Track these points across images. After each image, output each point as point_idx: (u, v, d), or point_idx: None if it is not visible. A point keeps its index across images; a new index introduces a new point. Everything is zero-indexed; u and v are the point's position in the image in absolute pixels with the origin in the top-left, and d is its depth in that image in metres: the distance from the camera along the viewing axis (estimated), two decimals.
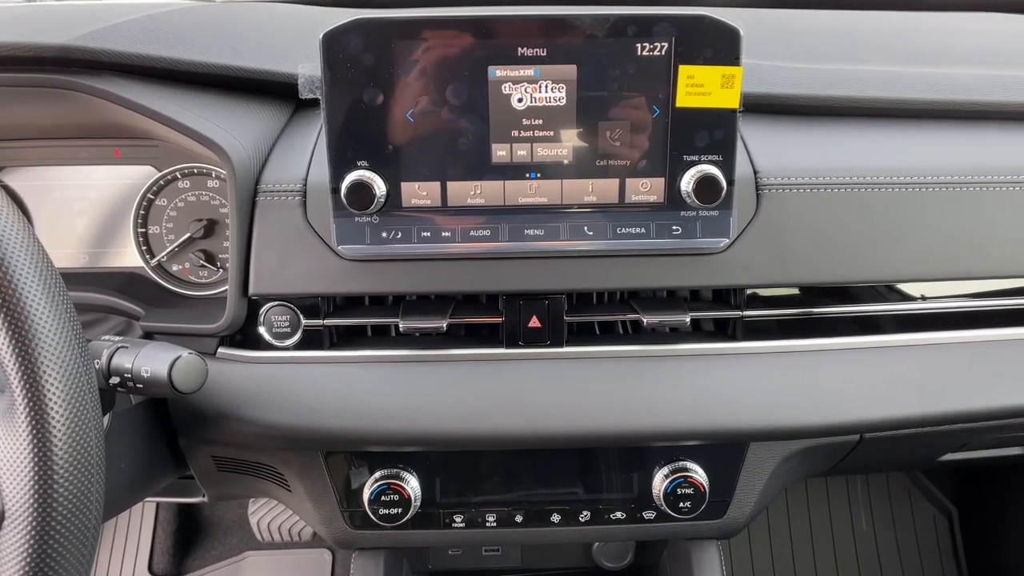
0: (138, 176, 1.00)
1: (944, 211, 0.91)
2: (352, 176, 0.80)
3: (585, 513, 0.97)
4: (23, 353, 0.58)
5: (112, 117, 0.89)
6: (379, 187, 0.81)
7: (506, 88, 0.79)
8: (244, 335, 0.90)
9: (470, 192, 0.83)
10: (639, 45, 0.78)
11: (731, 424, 0.88)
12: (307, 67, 0.80)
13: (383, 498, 0.91)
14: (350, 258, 0.85)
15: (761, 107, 0.98)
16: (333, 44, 0.77)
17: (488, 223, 0.84)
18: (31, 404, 0.58)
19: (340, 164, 0.81)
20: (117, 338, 0.76)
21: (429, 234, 0.84)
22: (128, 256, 1.01)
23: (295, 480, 0.96)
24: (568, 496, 0.97)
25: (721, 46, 0.78)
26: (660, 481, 0.93)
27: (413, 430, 0.86)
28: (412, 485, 0.92)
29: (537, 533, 0.99)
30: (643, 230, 0.85)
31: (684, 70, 0.79)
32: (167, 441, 0.92)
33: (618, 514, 0.97)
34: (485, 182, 0.83)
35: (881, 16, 1.27)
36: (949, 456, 1.15)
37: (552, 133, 0.81)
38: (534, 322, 0.89)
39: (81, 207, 1.01)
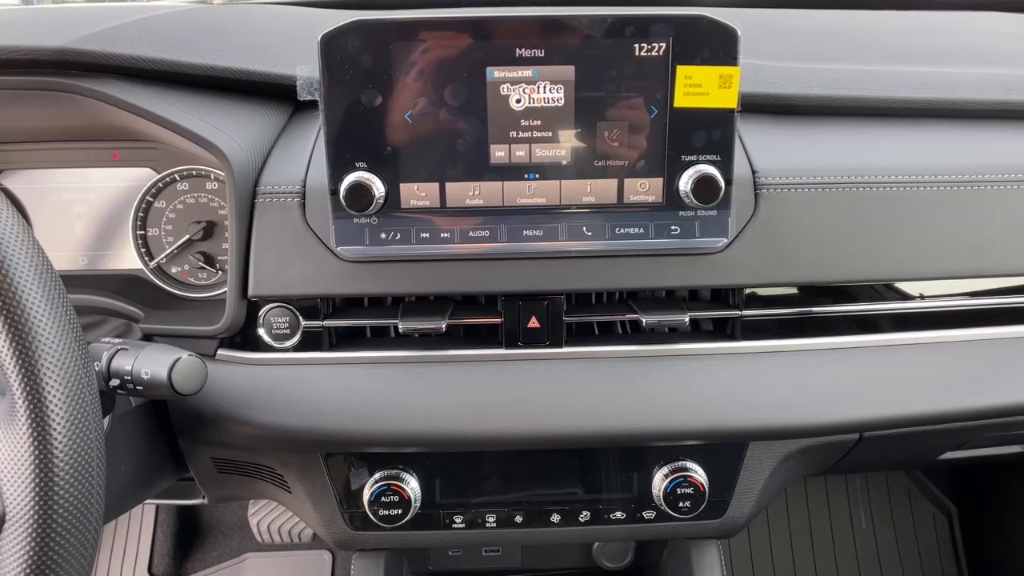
0: (137, 178, 1.00)
1: (942, 210, 0.91)
2: (351, 177, 0.81)
3: (585, 513, 0.97)
4: (23, 356, 0.58)
5: (110, 119, 0.89)
6: (378, 188, 0.81)
7: (504, 89, 0.79)
8: (243, 337, 0.90)
9: (469, 193, 0.83)
10: (637, 45, 0.78)
11: (730, 423, 0.88)
12: (305, 69, 0.80)
13: (383, 499, 0.91)
14: (349, 259, 0.85)
15: (759, 107, 0.98)
16: (331, 46, 0.78)
17: (487, 224, 0.84)
18: (31, 406, 0.58)
19: (339, 165, 0.81)
20: (117, 340, 0.76)
21: (428, 235, 0.84)
22: (127, 258, 1.01)
23: (295, 481, 0.96)
24: (568, 496, 0.97)
25: (719, 46, 0.78)
26: (660, 481, 0.94)
27: (413, 431, 0.87)
28: (412, 486, 0.92)
29: (537, 533, 0.99)
30: (642, 230, 0.85)
31: (682, 70, 0.79)
32: (167, 443, 0.92)
33: (618, 514, 0.97)
34: (484, 183, 0.83)
35: (878, 15, 1.27)
36: (948, 454, 1.15)
37: (550, 134, 0.81)
38: (533, 322, 0.89)
39: (80, 209, 1.01)
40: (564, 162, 0.82)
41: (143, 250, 1.00)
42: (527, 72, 0.79)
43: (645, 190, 0.84)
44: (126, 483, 0.85)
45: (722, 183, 0.82)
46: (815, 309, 0.92)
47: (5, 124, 0.94)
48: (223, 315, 0.87)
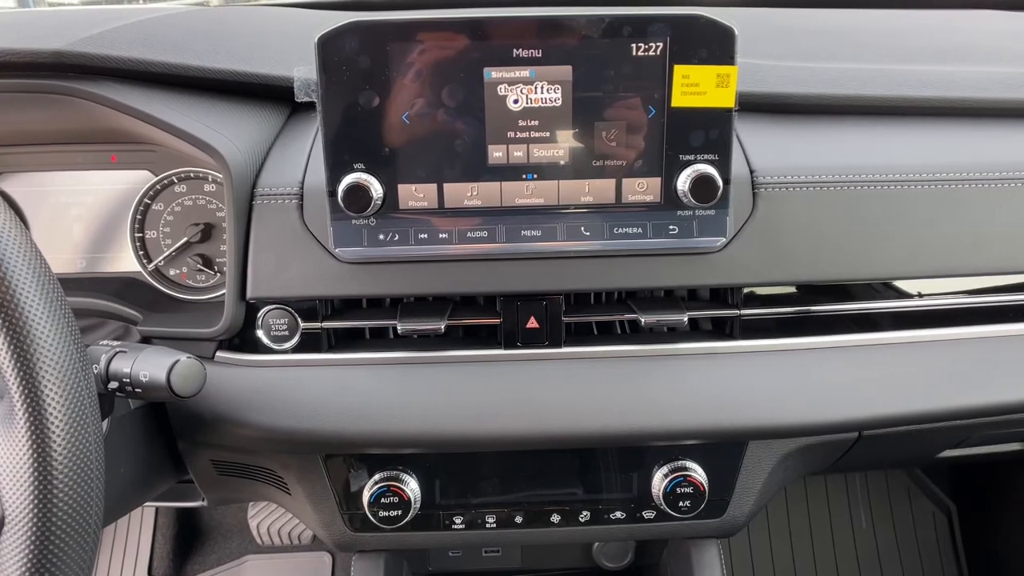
0: (135, 181, 0.99)
1: (940, 208, 0.91)
2: (349, 179, 0.80)
3: (585, 513, 0.97)
4: (22, 359, 0.58)
5: (108, 122, 0.89)
6: (376, 189, 0.81)
7: (502, 89, 0.79)
8: (242, 339, 0.90)
9: (467, 193, 0.83)
10: (634, 45, 0.78)
11: (730, 423, 0.88)
12: (303, 70, 0.80)
13: (383, 500, 0.91)
14: (347, 260, 0.85)
15: (757, 106, 0.98)
16: (328, 47, 0.78)
17: (485, 224, 0.84)
18: (30, 410, 0.58)
19: (337, 167, 0.81)
20: (115, 343, 0.76)
21: (426, 236, 0.84)
22: (125, 261, 1.01)
23: (295, 483, 0.96)
24: (568, 496, 0.97)
25: (716, 46, 0.78)
26: (659, 480, 0.94)
27: (412, 431, 0.87)
28: (412, 487, 0.92)
29: (537, 534, 0.99)
30: (640, 230, 0.85)
31: (679, 70, 0.79)
32: (166, 445, 0.92)
33: (618, 514, 0.97)
34: (482, 183, 0.83)
35: (875, 14, 1.27)
36: (947, 452, 1.15)
37: (548, 134, 0.81)
38: (532, 323, 0.89)
39: (78, 212, 1.01)
40: (562, 162, 0.82)
41: (141, 253, 1.00)
42: (524, 72, 0.79)
43: (643, 190, 0.84)
44: (125, 485, 0.85)
45: (720, 182, 0.82)
46: (814, 308, 0.93)
47: (2, 127, 0.94)
48: (221, 317, 0.87)
